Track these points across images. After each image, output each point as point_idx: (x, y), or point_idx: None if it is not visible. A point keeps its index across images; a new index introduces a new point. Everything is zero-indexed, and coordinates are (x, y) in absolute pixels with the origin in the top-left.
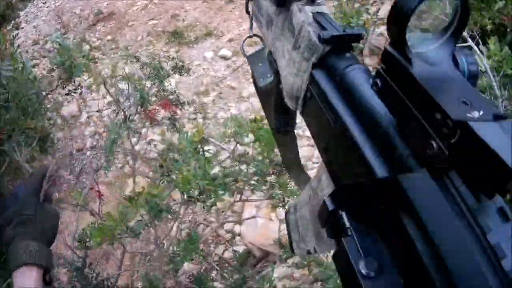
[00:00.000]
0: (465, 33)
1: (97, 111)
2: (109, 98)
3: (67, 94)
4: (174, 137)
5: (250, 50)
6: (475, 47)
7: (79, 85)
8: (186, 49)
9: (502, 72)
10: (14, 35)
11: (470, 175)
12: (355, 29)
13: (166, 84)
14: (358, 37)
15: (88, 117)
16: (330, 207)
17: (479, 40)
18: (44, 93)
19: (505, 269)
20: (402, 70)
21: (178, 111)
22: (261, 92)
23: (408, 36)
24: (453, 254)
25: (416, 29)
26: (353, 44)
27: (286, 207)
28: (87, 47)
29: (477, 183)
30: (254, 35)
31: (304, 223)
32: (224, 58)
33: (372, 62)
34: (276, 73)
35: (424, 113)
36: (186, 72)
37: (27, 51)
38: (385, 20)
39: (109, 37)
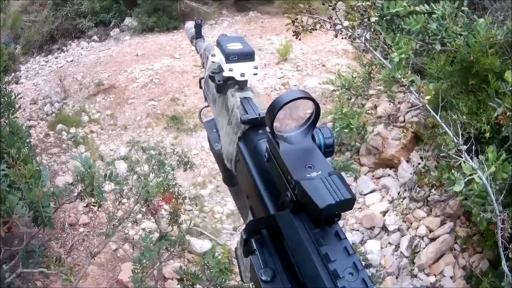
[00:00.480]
0: (460, 139)
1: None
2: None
3: (86, 207)
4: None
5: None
6: (470, 162)
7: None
8: (184, 136)
9: (499, 178)
10: (16, 94)
11: (309, 212)
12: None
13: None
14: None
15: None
16: (244, 236)
17: (478, 148)
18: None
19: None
20: (274, 148)
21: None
22: (215, 154)
23: (276, 125)
24: (303, 265)
25: (284, 121)
26: (350, 144)
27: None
28: (86, 118)
29: (314, 217)
30: (207, 106)
31: None
32: None
33: (368, 162)
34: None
35: (284, 175)
36: (190, 168)
37: (24, 109)
38: (382, 119)
39: (108, 112)
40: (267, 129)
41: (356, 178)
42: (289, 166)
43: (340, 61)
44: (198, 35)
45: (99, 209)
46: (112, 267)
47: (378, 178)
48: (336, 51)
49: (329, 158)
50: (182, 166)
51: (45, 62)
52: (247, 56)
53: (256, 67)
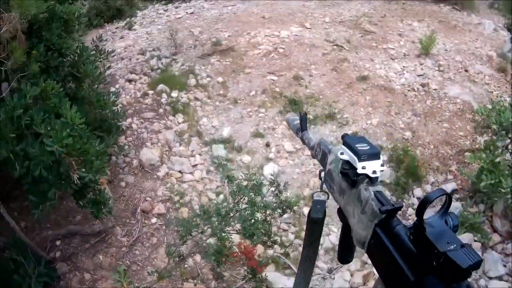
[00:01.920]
0: None
1: (179, 171)
2: (198, 160)
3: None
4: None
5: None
6: None
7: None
8: None
9: None
10: (107, 51)
11: (451, 274)
12: (399, 203)
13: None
14: (400, 208)
15: (167, 174)
16: None
17: None
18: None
19: None
20: (421, 230)
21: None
22: (311, 220)
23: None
24: None
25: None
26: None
27: None
28: (193, 81)
29: (455, 276)
30: (324, 191)
31: None
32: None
33: (501, 228)
34: (346, 224)
35: (431, 249)
36: (291, 211)
37: (130, 59)
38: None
39: (220, 79)
40: (416, 218)
41: (484, 247)
42: (435, 242)
43: (484, 70)
44: (303, 127)
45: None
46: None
47: (508, 255)
48: (480, 55)
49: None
50: (280, 210)
51: (164, 10)
52: (375, 155)
53: (382, 165)
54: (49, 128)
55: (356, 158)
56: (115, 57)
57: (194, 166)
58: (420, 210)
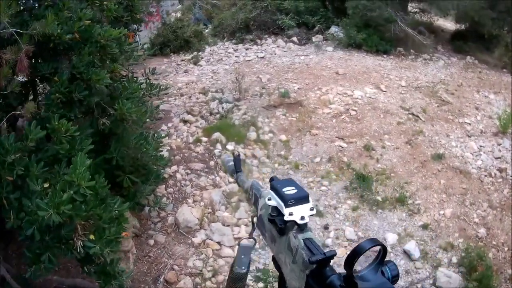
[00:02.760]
0: None
1: (218, 243)
2: (242, 232)
3: None
4: None
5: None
6: None
7: None
8: (367, 211)
9: None
10: (159, 87)
11: None
12: (331, 251)
13: None
14: (333, 256)
15: (203, 242)
16: None
17: None
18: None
19: None
20: (353, 285)
21: None
22: (233, 276)
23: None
24: None
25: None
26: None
27: None
28: (253, 134)
29: None
30: (252, 238)
31: None
32: (407, 255)
33: None
34: (281, 274)
35: None
36: None
37: (190, 97)
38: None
39: (283, 137)
40: (347, 272)
41: None
42: None
43: None
44: (238, 169)
45: None
46: None
47: None
48: None
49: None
50: None
51: (234, 50)
52: (303, 199)
53: (312, 209)
54: (46, 185)
55: (282, 204)
56: (175, 91)
57: (237, 239)
58: (349, 262)
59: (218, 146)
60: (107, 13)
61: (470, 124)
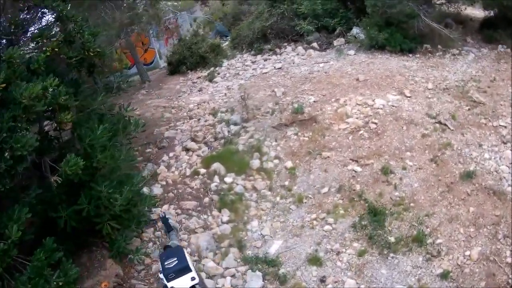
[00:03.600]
0: None
1: None
2: (227, 284)
3: None
4: None
5: None
6: None
7: None
8: (374, 257)
9: None
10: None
11: None
12: None
13: None
14: None
15: None
16: None
17: None
18: None
19: None
20: None
21: None
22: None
23: None
24: None
25: None
26: None
27: None
28: (256, 162)
29: None
30: None
31: None
32: None
33: None
34: None
35: None
36: None
37: (199, 119)
38: None
39: (289, 163)
40: None
41: None
42: None
43: None
44: (168, 228)
45: None
46: None
47: None
48: None
49: None
50: None
51: (252, 62)
52: (183, 270)
53: (193, 278)
54: None
55: (165, 281)
56: (185, 114)
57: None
58: None
59: (216, 179)
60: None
61: (505, 127)
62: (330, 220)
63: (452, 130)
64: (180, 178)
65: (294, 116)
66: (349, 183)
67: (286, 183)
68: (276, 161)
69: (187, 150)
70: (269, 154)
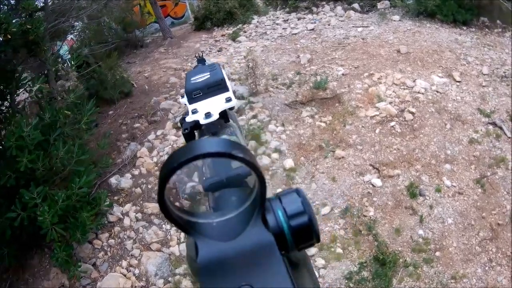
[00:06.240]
0: None
1: None
2: None
3: None
4: None
5: None
6: None
7: None
8: None
9: None
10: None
11: None
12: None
13: None
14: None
15: None
16: None
17: None
18: None
19: None
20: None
21: None
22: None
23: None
24: None
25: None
26: None
27: None
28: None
29: None
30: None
31: None
32: None
33: None
34: None
35: None
36: None
37: None
38: None
39: (289, 162)
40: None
41: None
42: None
43: None
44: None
45: None
46: None
47: None
48: None
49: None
50: None
51: (283, 21)
52: (215, 86)
53: (229, 99)
54: None
55: (186, 99)
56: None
57: None
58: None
59: (194, 176)
60: None
61: None
62: (320, 262)
63: (509, 138)
64: (155, 168)
65: (314, 92)
66: (361, 203)
67: (278, 190)
68: (275, 155)
69: (178, 128)
70: (269, 144)
